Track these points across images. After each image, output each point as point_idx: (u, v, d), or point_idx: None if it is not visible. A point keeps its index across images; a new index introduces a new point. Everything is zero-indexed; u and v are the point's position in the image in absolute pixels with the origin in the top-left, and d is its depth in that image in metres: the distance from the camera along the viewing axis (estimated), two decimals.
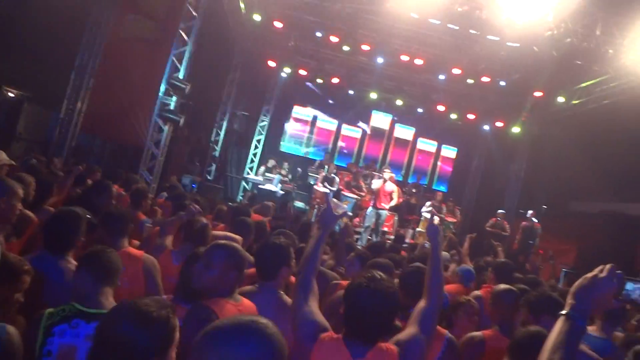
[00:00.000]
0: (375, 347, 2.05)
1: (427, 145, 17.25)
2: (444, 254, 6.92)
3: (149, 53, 9.10)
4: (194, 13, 9.07)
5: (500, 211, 13.60)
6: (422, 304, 2.34)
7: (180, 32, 9.02)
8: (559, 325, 1.42)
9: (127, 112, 9.14)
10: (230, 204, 6.99)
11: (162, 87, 9.05)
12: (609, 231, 12.66)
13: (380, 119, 16.95)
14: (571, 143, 13.08)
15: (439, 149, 17.27)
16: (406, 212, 13.91)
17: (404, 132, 17.10)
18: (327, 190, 12.74)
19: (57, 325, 2.16)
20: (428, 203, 13.37)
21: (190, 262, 2.78)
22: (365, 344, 2.05)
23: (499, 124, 15.38)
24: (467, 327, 3.43)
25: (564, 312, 1.43)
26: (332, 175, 13.14)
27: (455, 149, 17.31)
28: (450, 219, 13.54)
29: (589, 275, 1.47)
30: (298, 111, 16.64)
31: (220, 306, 2.39)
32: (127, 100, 9.13)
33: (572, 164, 13.42)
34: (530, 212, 12.95)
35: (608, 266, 1.47)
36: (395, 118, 16.92)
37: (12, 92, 10.54)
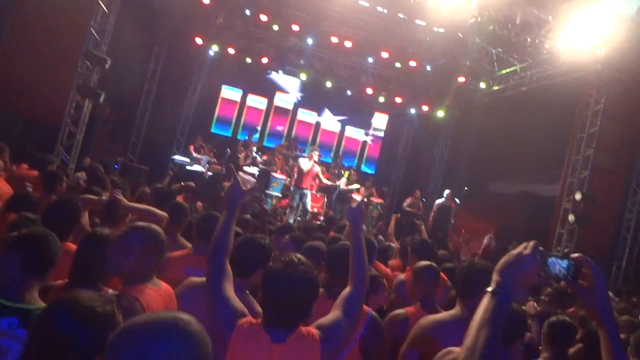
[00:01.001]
0: (296, 332, 2.02)
1: (355, 133, 17.49)
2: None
3: (64, 23, 8.49)
4: None
5: (416, 190, 14.10)
6: (347, 289, 2.31)
7: (100, 2, 8.50)
8: (485, 302, 1.43)
9: (41, 85, 8.50)
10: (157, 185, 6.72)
11: (80, 61, 8.52)
12: (525, 210, 13.48)
13: (306, 116, 17.01)
14: (491, 127, 13.71)
15: (366, 134, 17.54)
16: (331, 193, 14.05)
17: (332, 123, 17.24)
18: (255, 170, 12.64)
19: None
20: (342, 180, 13.43)
21: (88, 242, 2.60)
22: (285, 328, 2.02)
23: (425, 108, 15.82)
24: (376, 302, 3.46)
25: (489, 289, 1.45)
26: (254, 154, 13.01)
27: (383, 131, 17.63)
28: (376, 200, 13.86)
29: (514, 252, 1.51)
30: (227, 92, 16.28)
31: (141, 293, 2.29)
32: (41, 73, 8.48)
33: (492, 146, 14.10)
34: (447, 191, 13.50)
35: (532, 243, 1.50)
36: (324, 110, 16.99)
37: None
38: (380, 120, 17.53)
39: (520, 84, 12.37)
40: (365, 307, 2.85)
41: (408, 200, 13.83)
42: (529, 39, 9.71)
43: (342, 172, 14.67)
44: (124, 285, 2.40)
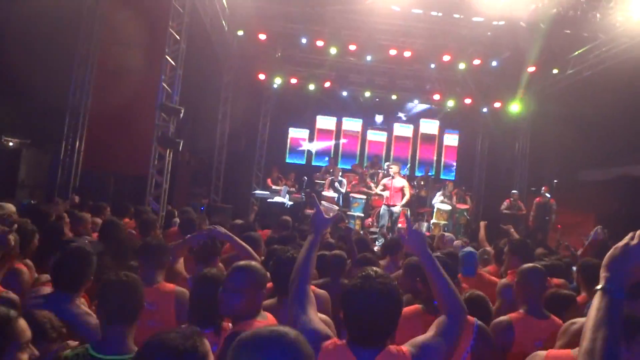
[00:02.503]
0: (384, 350, 1.93)
1: (429, 126, 17.06)
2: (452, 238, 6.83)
3: (138, 82, 9.12)
4: (178, 37, 9.08)
5: (513, 192, 13.52)
6: (442, 317, 2.13)
7: (167, 57, 9.03)
8: (596, 302, 1.34)
9: (125, 143, 9.15)
10: (237, 221, 6.94)
11: (157, 115, 9.06)
12: (623, 195, 12.51)
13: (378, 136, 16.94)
14: (572, 113, 12.98)
15: (441, 135, 17.11)
16: (417, 206, 13.82)
17: (405, 130, 17.05)
18: (334, 195, 12.69)
19: None
20: (438, 193, 13.31)
21: (201, 284, 2.72)
22: (372, 347, 1.94)
23: (497, 105, 15.27)
24: None
25: (599, 287, 1.35)
26: (340, 178, 13.09)
27: (457, 135, 17.17)
28: (462, 207, 13.42)
29: (620, 244, 1.39)
30: (295, 130, 16.71)
31: (252, 327, 2.31)
32: (123, 132, 9.15)
33: (576, 133, 13.31)
34: (543, 188, 12.81)
35: (639, 232, 1.39)
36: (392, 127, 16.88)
37: (11, 141, 10.61)
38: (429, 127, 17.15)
39: (596, 64, 11.65)
40: (470, 318, 2.74)
41: (505, 203, 13.23)
42: (598, 15, 9.17)
43: (422, 183, 14.43)
44: (234, 322, 2.50)
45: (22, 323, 1.88)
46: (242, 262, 2.68)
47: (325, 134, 16.82)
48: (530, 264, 3.46)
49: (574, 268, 4.99)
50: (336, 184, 12.87)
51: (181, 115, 9.43)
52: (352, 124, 16.84)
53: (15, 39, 8.56)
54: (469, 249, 5.43)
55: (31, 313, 2.28)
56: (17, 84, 9.20)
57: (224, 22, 11.86)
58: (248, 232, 4.61)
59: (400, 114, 16.66)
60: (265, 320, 2.57)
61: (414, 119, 16.89)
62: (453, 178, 16.67)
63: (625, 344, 2.34)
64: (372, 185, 13.35)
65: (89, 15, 9.77)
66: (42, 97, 9.49)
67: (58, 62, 9.15)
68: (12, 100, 9.65)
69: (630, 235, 1.40)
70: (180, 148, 9.62)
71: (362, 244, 5.78)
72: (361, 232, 9.88)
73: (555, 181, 15.29)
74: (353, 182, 13.64)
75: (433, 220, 12.91)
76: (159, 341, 1.59)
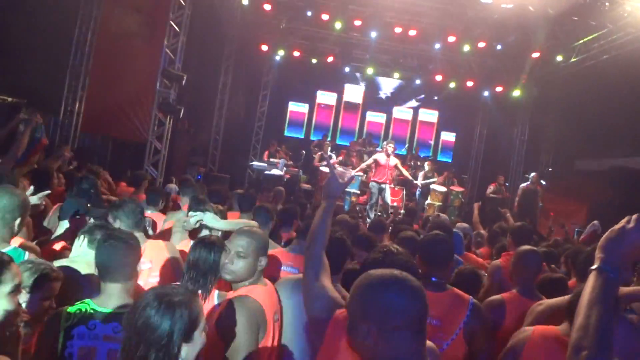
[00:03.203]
0: None
1: (428, 115, 17.14)
2: (464, 224, 6.88)
3: (141, 46, 9.02)
4: (182, 2, 8.97)
5: (499, 176, 13.60)
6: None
7: (171, 23, 8.93)
8: (591, 281, 1.40)
9: (126, 108, 9.09)
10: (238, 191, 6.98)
11: (159, 80, 9.01)
12: (618, 186, 12.61)
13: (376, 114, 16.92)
14: (573, 102, 12.98)
15: (440, 120, 17.17)
16: (412, 186, 13.87)
17: (404, 113, 17.03)
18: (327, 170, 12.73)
19: (75, 327, 2.15)
20: (421, 173, 13.35)
21: (199, 247, 2.75)
22: None
23: (498, 89, 15.23)
24: None
25: (594, 266, 1.41)
26: (329, 153, 13.10)
27: (456, 118, 17.21)
28: (457, 189, 13.49)
29: (616, 227, 1.45)
30: (295, 104, 16.62)
31: (257, 293, 2.44)
32: (124, 96, 9.08)
33: (575, 122, 13.32)
34: (532, 174, 12.89)
35: (635, 216, 1.44)
36: (392, 93, 16.82)
37: (7, 100, 10.49)
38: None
39: (601, 53, 11.59)
40: (465, 295, 2.81)
41: (491, 187, 13.38)
42: (607, 3, 9.11)
43: (419, 163, 14.48)
44: (234, 287, 2.55)
45: (15, 267, 1.96)
46: (245, 228, 2.72)
47: (325, 109, 16.76)
48: (528, 247, 3.55)
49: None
50: (324, 159, 12.90)
51: (183, 82, 9.39)
52: (353, 94, 16.76)
53: None
54: (457, 230, 5.53)
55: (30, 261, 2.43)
56: (16, 43, 9.06)
57: None
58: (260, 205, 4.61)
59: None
60: (267, 287, 2.63)
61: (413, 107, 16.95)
62: (450, 160, 16.76)
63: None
64: (354, 162, 13.36)
65: None
66: (42, 56, 9.37)
67: (59, 21, 9.00)
68: (10, 59, 9.51)
69: (626, 218, 1.46)
70: (181, 115, 9.61)
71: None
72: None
73: (550, 169, 15.41)
74: (340, 158, 13.57)
75: (428, 201, 12.99)
76: (155, 294, 1.67)
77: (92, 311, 2.20)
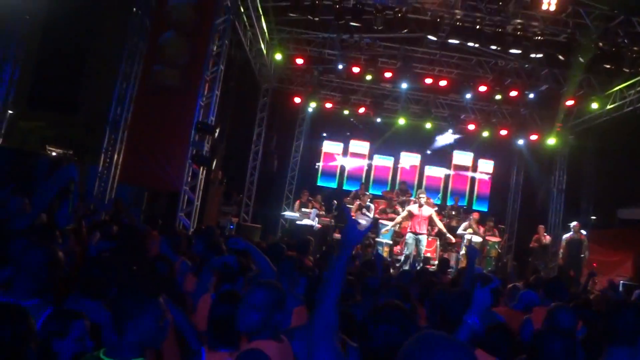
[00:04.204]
0: None
1: (463, 157, 16.93)
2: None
3: (176, 100, 9.36)
4: (217, 58, 9.37)
5: (540, 226, 13.21)
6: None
7: (206, 78, 9.30)
8: None
9: (161, 159, 9.36)
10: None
11: (192, 133, 9.30)
12: None
13: (410, 160, 16.87)
14: (611, 148, 12.68)
15: (475, 164, 16.92)
16: (446, 238, 13.59)
17: (435, 170, 16.96)
18: (363, 220, 12.62)
19: None
20: (464, 224, 13.09)
21: (222, 303, 2.76)
22: None
23: (533, 137, 15.03)
24: None
25: None
26: (368, 203, 13.06)
27: (492, 162, 16.94)
28: (493, 239, 13.14)
29: None
30: (328, 147, 16.75)
31: (270, 349, 2.36)
32: (159, 148, 9.37)
33: (616, 170, 12.98)
34: (574, 223, 12.45)
35: None
36: (425, 155, 16.80)
37: (54, 151, 11.04)
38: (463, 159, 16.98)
39: (638, 99, 11.38)
40: (491, 357, 2.69)
41: (535, 237, 12.96)
42: (635, 48, 9.02)
43: (453, 213, 14.24)
44: (250, 341, 2.51)
45: None
46: (262, 280, 2.72)
47: (357, 157, 16.82)
48: (561, 304, 3.39)
49: None
50: (364, 210, 12.84)
51: (216, 134, 9.67)
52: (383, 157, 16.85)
53: (63, 54, 8.99)
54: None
55: None
56: (64, 98, 9.61)
57: (262, 46, 12.16)
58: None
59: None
60: (282, 344, 2.57)
61: (447, 151, 16.79)
62: (485, 209, 16.39)
63: None
64: (400, 210, 13.28)
65: (134, 34, 10.18)
66: (86, 111, 9.88)
67: (102, 78, 9.53)
68: (58, 112, 10.08)
69: None
70: (214, 167, 9.84)
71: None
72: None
73: (594, 217, 14.89)
74: (381, 207, 13.58)
75: (462, 252, 12.68)
76: None
77: None
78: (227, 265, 3.67)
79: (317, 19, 10.11)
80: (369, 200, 13.30)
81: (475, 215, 13.43)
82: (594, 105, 12.47)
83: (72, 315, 2.17)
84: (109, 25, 9.43)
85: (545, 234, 13.26)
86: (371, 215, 12.95)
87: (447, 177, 16.83)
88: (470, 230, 12.91)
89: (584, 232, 12.56)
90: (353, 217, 2.29)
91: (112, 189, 10.43)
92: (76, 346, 2.10)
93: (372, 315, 1.98)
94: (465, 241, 12.68)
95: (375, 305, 2.25)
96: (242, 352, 2.34)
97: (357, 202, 13.09)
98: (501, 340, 3.32)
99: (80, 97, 9.36)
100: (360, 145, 16.79)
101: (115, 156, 10.33)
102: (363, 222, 2.25)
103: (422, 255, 11.31)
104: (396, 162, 16.82)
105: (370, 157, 16.75)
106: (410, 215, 11.38)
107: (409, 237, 11.30)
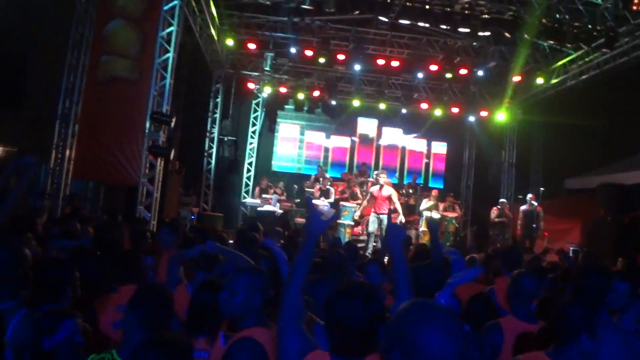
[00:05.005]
0: None
1: (417, 145, 17.34)
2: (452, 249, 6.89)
3: (128, 91, 9.11)
4: (168, 46, 9.14)
5: (501, 200, 13.70)
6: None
7: (157, 67, 9.08)
8: None
9: (116, 152, 9.11)
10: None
11: (147, 124, 9.08)
12: (609, 203, 12.72)
13: (367, 125, 17.04)
14: (558, 122, 13.22)
15: (429, 147, 17.36)
16: (406, 214, 13.91)
17: (392, 135, 17.18)
18: (326, 203, 12.75)
19: None
20: (424, 200, 13.45)
21: (203, 291, 2.77)
22: (353, 358, 1.90)
23: (483, 114, 15.50)
24: None
25: None
26: (327, 187, 13.18)
27: (445, 144, 17.40)
28: (451, 214, 13.53)
29: None
30: (285, 129, 16.67)
31: (261, 336, 2.37)
32: (114, 142, 9.11)
33: (563, 142, 13.55)
34: (529, 195, 12.95)
35: None
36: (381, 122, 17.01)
37: None
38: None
39: (579, 73, 11.90)
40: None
41: (495, 211, 13.36)
42: (576, 23, 9.41)
43: (410, 191, 14.54)
44: (236, 328, 2.52)
45: None
46: (244, 266, 2.74)
47: (313, 146, 16.90)
48: (524, 270, 3.55)
49: None
50: (326, 191, 12.97)
51: (172, 124, 9.48)
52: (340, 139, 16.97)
53: (6, 46, 8.57)
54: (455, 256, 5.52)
55: None
56: (7, 92, 9.18)
57: (212, 31, 11.94)
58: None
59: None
60: (272, 330, 2.59)
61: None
62: (442, 186, 16.83)
63: None
64: (358, 192, 13.49)
65: (79, 24, 9.81)
66: (32, 105, 9.48)
67: (48, 70, 9.15)
68: (0, 108, 9.62)
69: None
70: (172, 157, 9.66)
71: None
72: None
73: (542, 189, 15.54)
74: (340, 189, 13.73)
75: (422, 229, 13.02)
76: (155, 336, 1.68)
77: None
78: (206, 253, 3.67)
79: (267, 2, 10.01)
80: (329, 183, 13.40)
81: (435, 192, 13.78)
82: (540, 81, 12.95)
83: (63, 315, 2.17)
84: (53, 15, 9.02)
85: (506, 207, 13.69)
86: (331, 199, 13.08)
87: (403, 156, 17.17)
88: (429, 205, 13.25)
89: (536, 203, 13.11)
90: (316, 208, 2.37)
91: (65, 185, 10.10)
92: (67, 344, 2.10)
93: (336, 291, 2.00)
94: (424, 217, 13.03)
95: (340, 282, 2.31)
96: (235, 341, 2.33)
97: (318, 187, 13.17)
98: (484, 310, 3.48)
99: (24, 91, 8.93)
100: (316, 134, 16.82)
101: (67, 151, 10.00)
102: (325, 211, 2.33)
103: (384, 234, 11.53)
104: (352, 143, 16.98)
105: (328, 138, 16.85)
106: (372, 197, 11.55)
107: (372, 217, 11.49)
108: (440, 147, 17.45)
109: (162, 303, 2.43)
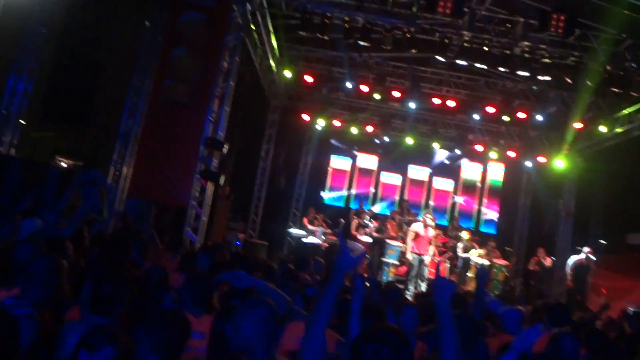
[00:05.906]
0: None
1: (472, 169, 16.73)
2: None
3: (185, 116, 9.45)
4: (227, 75, 9.49)
5: (539, 248, 13.17)
6: None
7: (215, 93, 9.41)
8: None
9: (169, 174, 9.42)
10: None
11: (201, 148, 9.37)
12: None
13: (417, 172, 16.76)
14: (621, 172, 12.59)
15: (482, 183, 16.79)
16: (454, 258, 13.48)
17: (443, 184, 16.82)
18: (370, 239, 12.55)
19: None
20: (460, 245, 12.88)
21: (218, 324, 2.75)
22: None
23: (541, 160, 14.99)
24: None
25: None
26: (366, 222, 12.91)
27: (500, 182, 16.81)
28: (500, 262, 12.96)
29: None
30: (336, 161, 16.72)
31: None
32: (168, 163, 9.43)
33: (625, 194, 12.85)
34: (587, 249, 12.26)
35: None
36: (432, 171, 16.67)
37: (63, 162, 11.16)
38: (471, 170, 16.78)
39: None
40: None
41: (533, 260, 12.83)
42: None
43: (460, 234, 14.11)
44: None
45: None
46: (254, 297, 2.66)
47: (364, 173, 16.76)
48: (563, 330, 3.34)
49: None
50: (364, 225, 12.75)
51: (224, 150, 9.74)
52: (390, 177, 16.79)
53: (77, 67, 9.15)
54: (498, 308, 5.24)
55: None
56: (76, 110, 9.74)
57: (272, 62, 12.30)
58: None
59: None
60: None
61: (455, 171, 16.70)
62: (494, 232, 16.23)
63: None
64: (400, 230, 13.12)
65: (146, 48, 10.34)
66: (98, 123, 9.99)
67: (114, 91, 9.66)
68: (69, 124, 10.21)
69: None
70: (222, 182, 9.89)
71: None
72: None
73: (603, 242, 14.72)
74: (375, 225, 13.30)
75: (469, 274, 12.56)
76: None
77: None
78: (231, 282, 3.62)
79: (326, 37, 10.21)
80: (367, 218, 13.15)
81: (467, 233, 13.24)
82: (602, 129, 12.43)
83: (109, 337, 2.19)
84: (122, 39, 9.58)
85: (546, 256, 13.09)
86: (369, 231, 12.78)
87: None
88: (474, 252, 12.74)
89: (594, 257, 12.39)
90: (346, 245, 2.30)
91: (120, 201, 10.49)
92: None
93: (366, 333, 1.91)
94: (473, 264, 12.55)
95: (372, 325, 2.22)
96: None
97: (356, 221, 12.96)
98: None
99: (92, 110, 9.46)
100: (368, 160, 16.74)
101: (125, 169, 10.42)
102: (357, 251, 2.25)
103: (426, 276, 11.19)
104: (404, 179, 16.71)
105: (378, 174, 16.71)
106: (416, 236, 11.28)
107: (413, 257, 11.19)
108: (494, 190, 16.85)
109: (178, 329, 2.42)
